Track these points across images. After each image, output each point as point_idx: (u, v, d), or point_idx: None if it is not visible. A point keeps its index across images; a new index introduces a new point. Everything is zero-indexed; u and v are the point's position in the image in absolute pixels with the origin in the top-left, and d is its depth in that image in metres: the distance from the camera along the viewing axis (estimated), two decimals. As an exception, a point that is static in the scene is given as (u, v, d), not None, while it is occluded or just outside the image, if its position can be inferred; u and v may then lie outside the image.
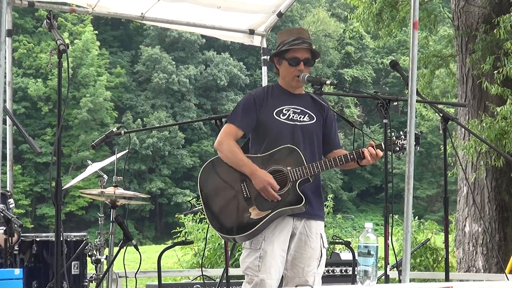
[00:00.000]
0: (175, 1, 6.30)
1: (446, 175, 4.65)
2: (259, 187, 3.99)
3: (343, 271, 6.39)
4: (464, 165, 9.36)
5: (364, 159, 4.07)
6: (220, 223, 4.08)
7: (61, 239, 3.65)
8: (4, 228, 4.44)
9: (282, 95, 4.23)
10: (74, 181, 5.93)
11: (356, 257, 4.71)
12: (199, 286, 5.99)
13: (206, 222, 4.14)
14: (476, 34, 9.27)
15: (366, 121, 43.96)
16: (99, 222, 5.33)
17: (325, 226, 4.44)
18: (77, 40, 36.61)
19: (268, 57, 5.82)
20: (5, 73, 4.97)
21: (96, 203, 29.51)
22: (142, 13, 6.44)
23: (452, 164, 10.25)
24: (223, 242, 7.24)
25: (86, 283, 5.22)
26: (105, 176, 5.37)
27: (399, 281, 4.09)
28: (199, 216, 10.37)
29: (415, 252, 9.69)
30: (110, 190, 5.21)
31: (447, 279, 4.57)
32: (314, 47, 4.31)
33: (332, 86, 4.26)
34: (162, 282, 5.74)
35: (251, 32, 6.87)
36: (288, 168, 4.04)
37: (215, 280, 6.26)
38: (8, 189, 5.67)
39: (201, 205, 4.15)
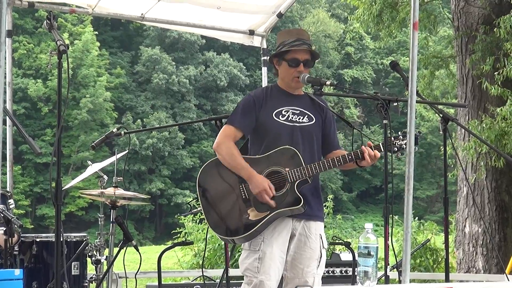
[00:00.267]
0: (175, 1, 6.30)
1: (446, 176, 4.65)
2: (255, 192, 4.01)
3: (343, 271, 6.38)
4: (464, 166, 9.36)
5: (364, 160, 4.07)
6: (219, 225, 4.09)
7: (61, 239, 3.64)
8: (4, 229, 4.44)
9: (281, 96, 4.23)
10: (74, 181, 5.93)
11: (356, 257, 4.70)
12: (199, 286, 5.99)
13: (206, 223, 4.14)
14: (476, 34, 9.27)
15: (366, 121, 43.97)
16: (99, 223, 5.33)
17: (325, 226, 4.44)
18: (77, 41, 36.61)
19: (268, 57, 5.82)
20: (5, 73, 4.96)
21: (96, 204, 29.53)
22: (142, 14, 6.45)
23: (452, 165, 10.25)
24: (223, 243, 7.24)
25: (86, 284, 5.22)
26: (105, 177, 5.37)
27: (399, 281, 4.09)
28: (199, 216, 10.36)
29: (415, 252, 9.69)
30: (110, 190, 5.21)
31: (447, 279, 4.57)
32: (313, 47, 4.31)
33: (332, 87, 4.26)
34: (162, 283, 5.74)
35: (251, 32, 6.87)
36: (287, 169, 4.04)
37: (215, 281, 6.26)
38: (8, 189, 5.67)
39: (200, 207, 4.16)
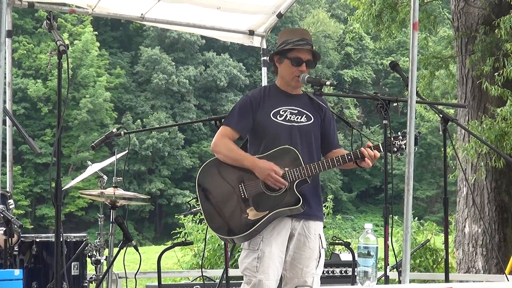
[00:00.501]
0: (175, 2, 6.30)
1: (446, 176, 4.65)
2: (263, 176, 3.98)
3: (343, 272, 6.39)
4: (464, 166, 9.36)
5: (363, 161, 4.06)
6: (218, 224, 4.09)
7: (61, 239, 3.64)
8: (4, 229, 4.44)
9: (279, 95, 4.23)
10: (74, 181, 5.94)
11: (356, 258, 4.71)
12: (198, 286, 5.99)
13: (206, 223, 4.14)
14: (475, 35, 9.27)
15: (366, 122, 43.96)
16: (99, 223, 5.33)
17: (324, 227, 4.45)
18: (77, 41, 36.60)
19: (268, 57, 5.80)
20: (5, 73, 4.96)
21: (96, 204, 29.55)
22: (142, 14, 6.45)
23: (454, 167, 10.23)
24: (223, 243, 7.25)
25: (86, 284, 5.23)
26: (105, 177, 5.37)
27: (399, 282, 4.09)
28: (199, 217, 10.37)
29: (415, 253, 9.69)
30: (109, 190, 5.21)
31: (447, 280, 4.57)
32: (314, 48, 4.31)
33: (331, 87, 4.26)
34: (162, 283, 5.74)
35: (251, 33, 6.87)
36: (286, 169, 4.04)
37: (214, 281, 6.26)
38: (8, 189, 5.67)
39: (199, 206, 4.16)
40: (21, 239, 5.02)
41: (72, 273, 5.10)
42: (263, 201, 4.02)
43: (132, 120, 37.61)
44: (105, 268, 5.19)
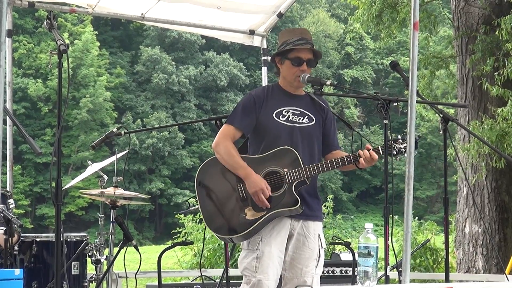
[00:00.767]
0: (175, 1, 6.30)
1: (446, 176, 4.65)
2: (251, 192, 4.01)
3: (343, 271, 6.39)
4: (464, 166, 9.35)
5: (362, 162, 4.06)
6: (216, 223, 4.09)
7: (61, 239, 3.64)
8: (4, 229, 4.44)
9: (282, 96, 4.23)
10: (74, 181, 5.94)
11: (356, 257, 4.71)
12: (198, 286, 5.99)
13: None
14: (476, 35, 9.27)
15: (366, 121, 43.96)
16: (99, 223, 5.33)
17: (325, 226, 4.45)
18: (77, 41, 36.61)
19: (269, 57, 5.79)
20: (5, 73, 4.96)
21: (96, 204, 29.52)
22: (142, 14, 6.45)
23: (456, 168, 10.22)
24: (223, 243, 7.24)
25: (86, 284, 5.23)
26: (105, 177, 5.37)
27: (399, 281, 4.09)
28: (199, 216, 10.36)
29: (415, 252, 9.69)
30: (110, 190, 5.21)
31: (447, 279, 4.57)
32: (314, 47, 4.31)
33: (332, 87, 4.26)
34: (162, 283, 5.74)
35: (251, 32, 6.87)
36: (285, 169, 4.04)
37: (214, 281, 6.26)
38: (8, 189, 5.67)
39: (198, 205, 4.16)
40: (21, 238, 5.02)
41: (72, 273, 5.10)
42: (262, 202, 4.02)
43: (132, 120, 37.62)
44: (105, 267, 5.19)
